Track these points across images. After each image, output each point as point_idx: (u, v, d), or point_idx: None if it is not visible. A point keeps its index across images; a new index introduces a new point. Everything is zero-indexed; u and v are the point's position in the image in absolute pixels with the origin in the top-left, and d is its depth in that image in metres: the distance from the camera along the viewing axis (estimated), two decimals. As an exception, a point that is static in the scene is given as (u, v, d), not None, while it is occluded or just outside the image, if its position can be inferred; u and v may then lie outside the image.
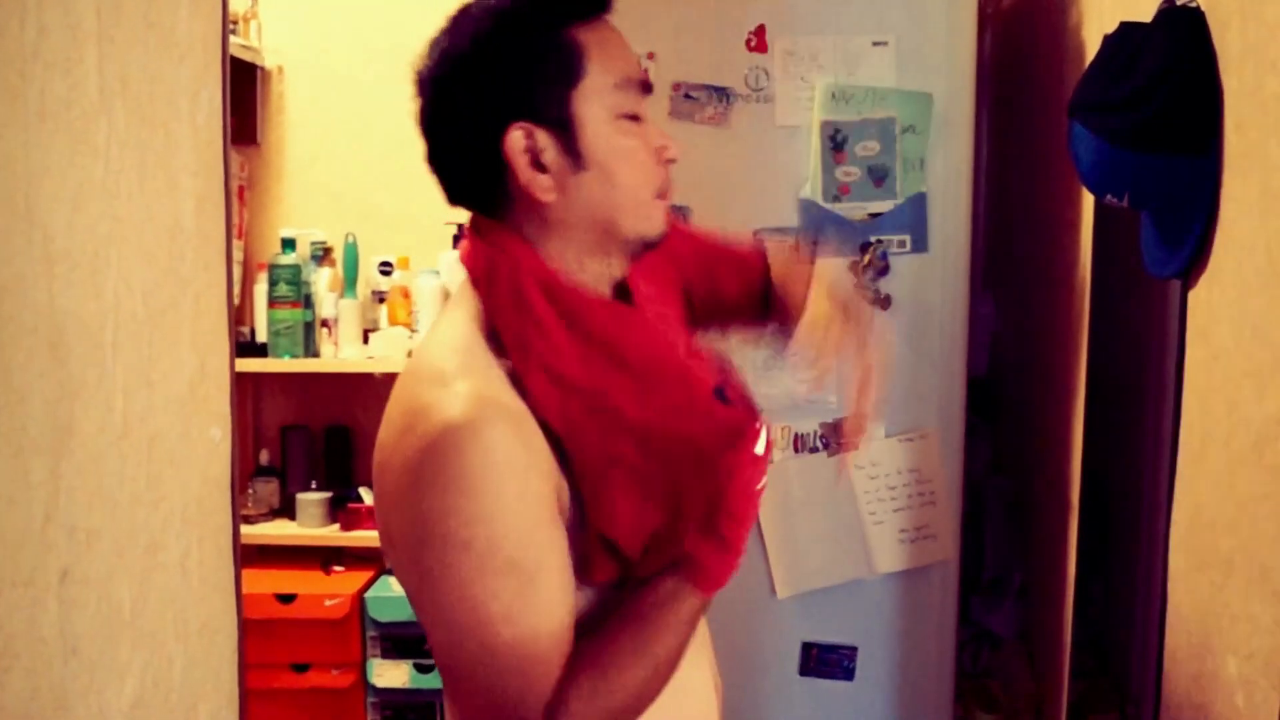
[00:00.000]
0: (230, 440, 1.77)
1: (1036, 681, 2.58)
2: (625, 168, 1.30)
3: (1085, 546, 2.16)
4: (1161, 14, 1.61)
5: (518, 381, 1.24)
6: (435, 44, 1.37)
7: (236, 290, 1.78)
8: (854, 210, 2.33)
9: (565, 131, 1.26)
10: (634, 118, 1.31)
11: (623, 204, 1.30)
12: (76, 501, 1.37)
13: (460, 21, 1.36)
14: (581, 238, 1.31)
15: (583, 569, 1.27)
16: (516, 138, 1.25)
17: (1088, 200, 2.14)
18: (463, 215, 3.72)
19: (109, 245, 1.42)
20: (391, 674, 3.36)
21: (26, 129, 1.25)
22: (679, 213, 2.30)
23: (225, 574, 1.79)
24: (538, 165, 1.26)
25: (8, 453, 1.24)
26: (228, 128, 1.71)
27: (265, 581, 3.33)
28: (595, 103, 1.28)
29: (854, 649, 2.42)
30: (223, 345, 1.74)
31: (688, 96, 2.30)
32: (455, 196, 1.36)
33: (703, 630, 1.47)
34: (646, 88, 1.35)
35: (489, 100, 1.27)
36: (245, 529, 1.83)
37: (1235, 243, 1.47)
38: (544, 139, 1.26)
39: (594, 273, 1.33)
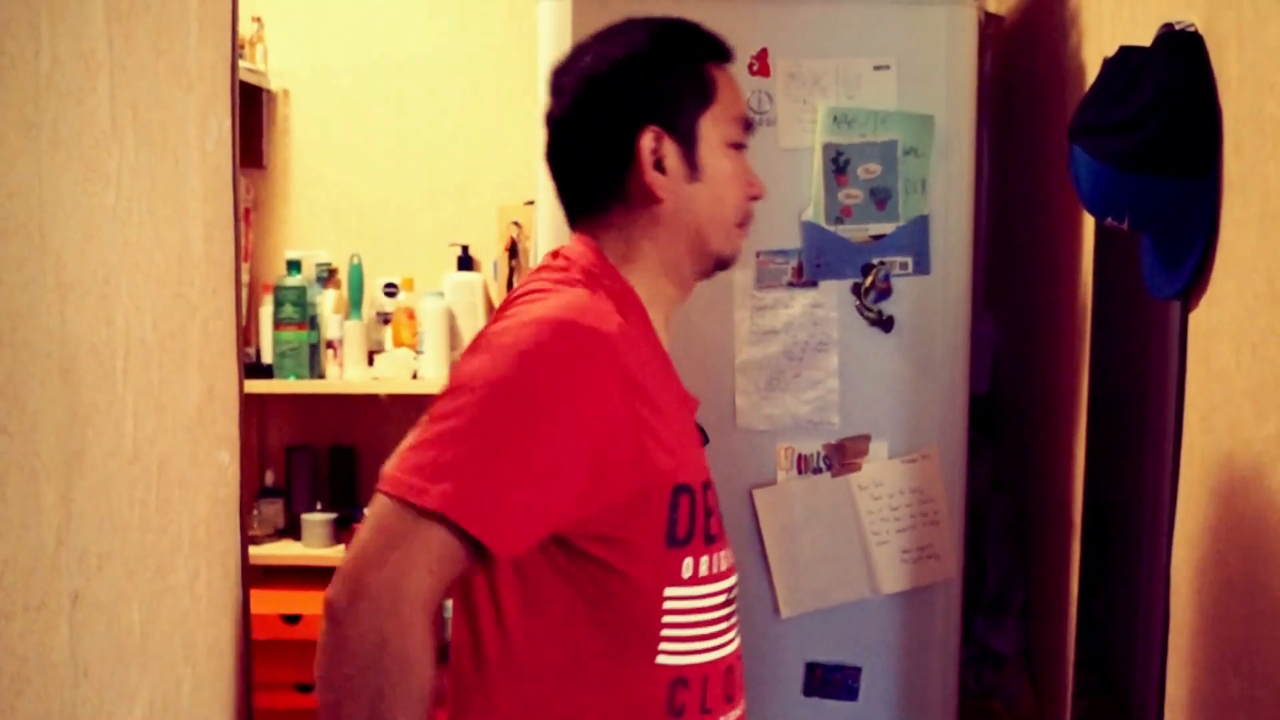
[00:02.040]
0: (238, 463, 1.78)
1: (1039, 700, 2.58)
2: (727, 188, 1.52)
3: (1087, 565, 2.17)
4: (1160, 37, 1.62)
5: None
6: (588, 48, 1.54)
7: (242, 312, 1.80)
8: (856, 232, 2.34)
9: (688, 145, 1.48)
10: (739, 149, 1.54)
11: (717, 219, 1.52)
12: (87, 525, 1.38)
13: (619, 34, 1.54)
14: (674, 246, 1.51)
15: None
16: (648, 138, 1.46)
17: (1088, 221, 2.15)
18: (465, 238, 3.71)
19: (119, 272, 1.43)
20: (396, 694, 3.35)
21: (40, 158, 1.26)
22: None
23: (233, 596, 1.80)
24: (659, 167, 1.46)
25: (20, 478, 1.25)
26: (236, 154, 1.73)
27: (270, 602, 3.34)
28: (716, 127, 1.50)
29: (858, 669, 2.42)
30: (231, 369, 1.75)
31: (691, 120, 2.32)
32: (568, 191, 1.55)
33: None
34: (751, 127, 1.57)
35: (632, 104, 1.47)
36: (250, 549, 1.84)
37: (1235, 264, 1.48)
38: (669, 146, 1.47)
39: (664, 297, 1.53)
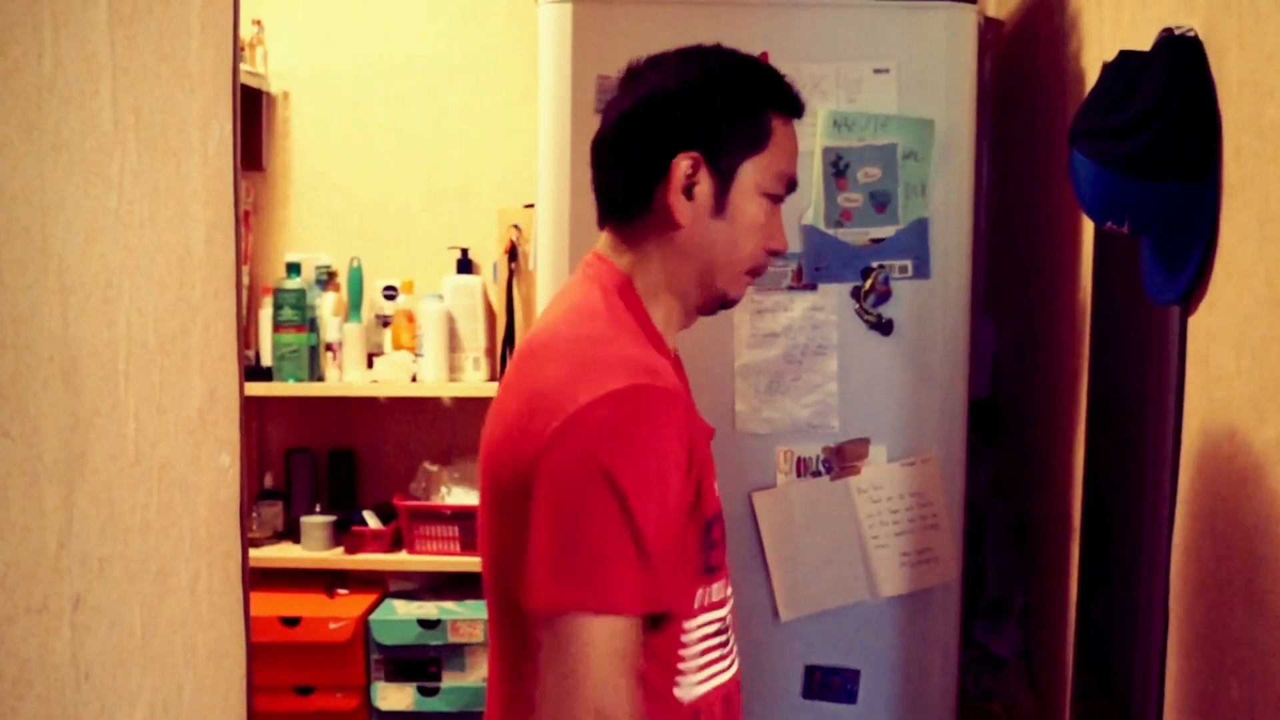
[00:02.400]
0: (239, 466, 1.78)
1: (1039, 703, 2.59)
2: (747, 234, 1.52)
3: (1087, 568, 2.17)
4: (1160, 42, 1.62)
5: None
6: (666, 59, 1.54)
7: (242, 315, 1.80)
8: (856, 236, 2.35)
9: (724, 182, 1.49)
10: (774, 201, 1.54)
11: (729, 261, 1.53)
12: (89, 528, 1.38)
13: (699, 55, 1.54)
14: (684, 273, 1.53)
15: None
16: (685, 162, 1.47)
17: (1088, 225, 2.15)
18: (465, 240, 3.70)
19: (121, 275, 1.43)
20: (395, 697, 3.36)
21: (42, 161, 1.26)
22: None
23: (234, 599, 1.80)
24: (688, 193, 1.48)
25: (23, 481, 1.25)
26: (238, 157, 1.73)
27: (269, 604, 3.34)
28: (755, 175, 1.50)
29: (857, 672, 2.43)
30: (232, 372, 1.76)
31: (691, 123, 2.32)
32: (603, 188, 1.57)
33: None
34: (794, 186, 1.57)
35: (683, 125, 1.49)
36: (250, 552, 1.84)
37: (1235, 269, 1.48)
38: (704, 177, 1.48)
39: (670, 317, 1.56)
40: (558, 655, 1.29)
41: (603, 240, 1.58)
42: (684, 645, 1.45)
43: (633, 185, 1.51)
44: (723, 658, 1.52)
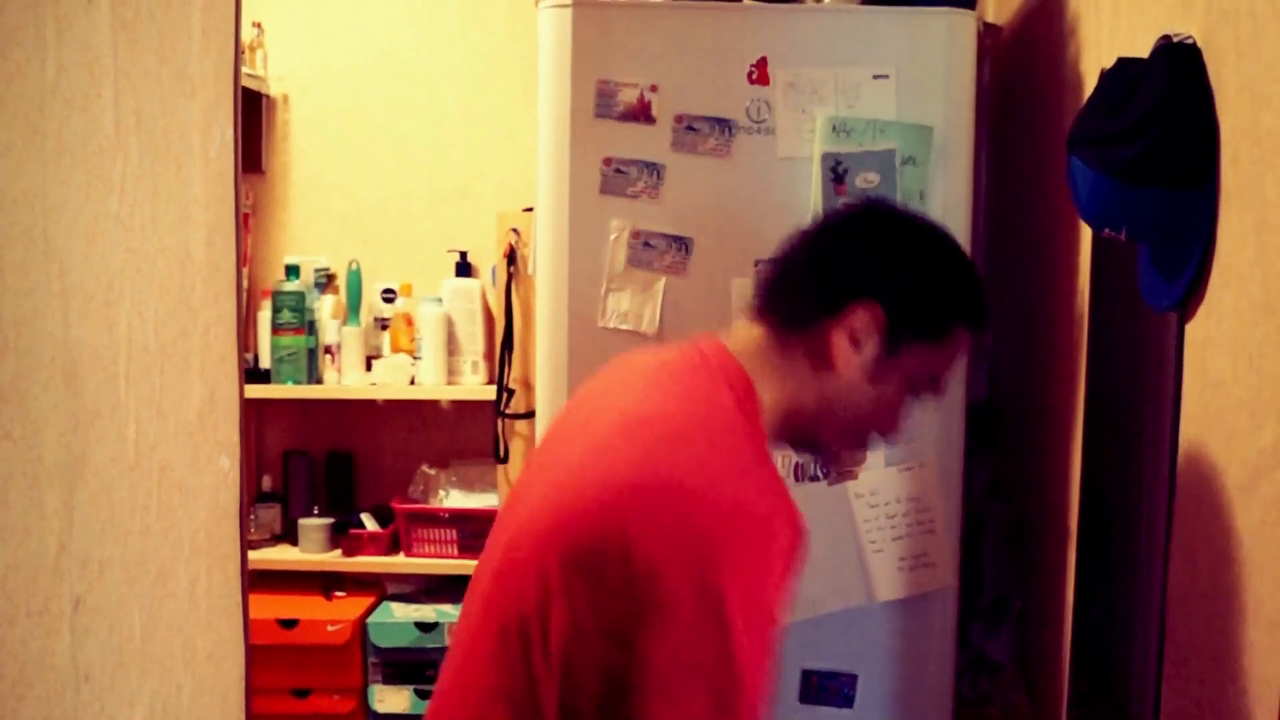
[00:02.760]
0: (238, 469, 1.79)
1: (1035, 708, 2.59)
2: (882, 410, 1.54)
3: (1084, 573, 2.18)
4: (1158, 49, 1.63)
5: None
6: (902, 220, 1.59)
7: (241, 316, 1.81)
8: (854, 240, 2.35)
9: (889, 352, 1.49)
10: (913, 394, 1.55)
11: (853, 422, 1.54)
12: (89, 531, 1.39)
13: (928, 231, 1.58)
14: (804, 404, 1.51)
15: None
16: (864, 316, 1.47)
17: (1086, 231, 2.16)
18: (464, 244, 3.69)
19: (122, 277, 1.43)
20: (392, 699, 3.37)
21: (45, 164, 1.27)
22: (680, 245, 2.32)
23: (232, 601, 1.81)
24: (854, 342, 1.48)
25: (23, 483, 1.25)
26: (238, 161, 1.74)
27: (267, 607, 3.34)
28: (918, 362, 1.51)
29: (854, 676, 2.43)
30: (232, 375, 1.76)
31: (690, 128, 2.33)
32: (772, 306, 1.55)
33: None
34: (940, 391, 1.59)
35: (883, 281, 1.49)
36: (248, 554, 1.85)
37: (1232, 275, 1.48)
38: (877, 339, 1.48)
39: (770, 428, 1.51)
40: None
41: (738, 332, 1.57)
42: None
43: (811, 305, 1.51)
44: None
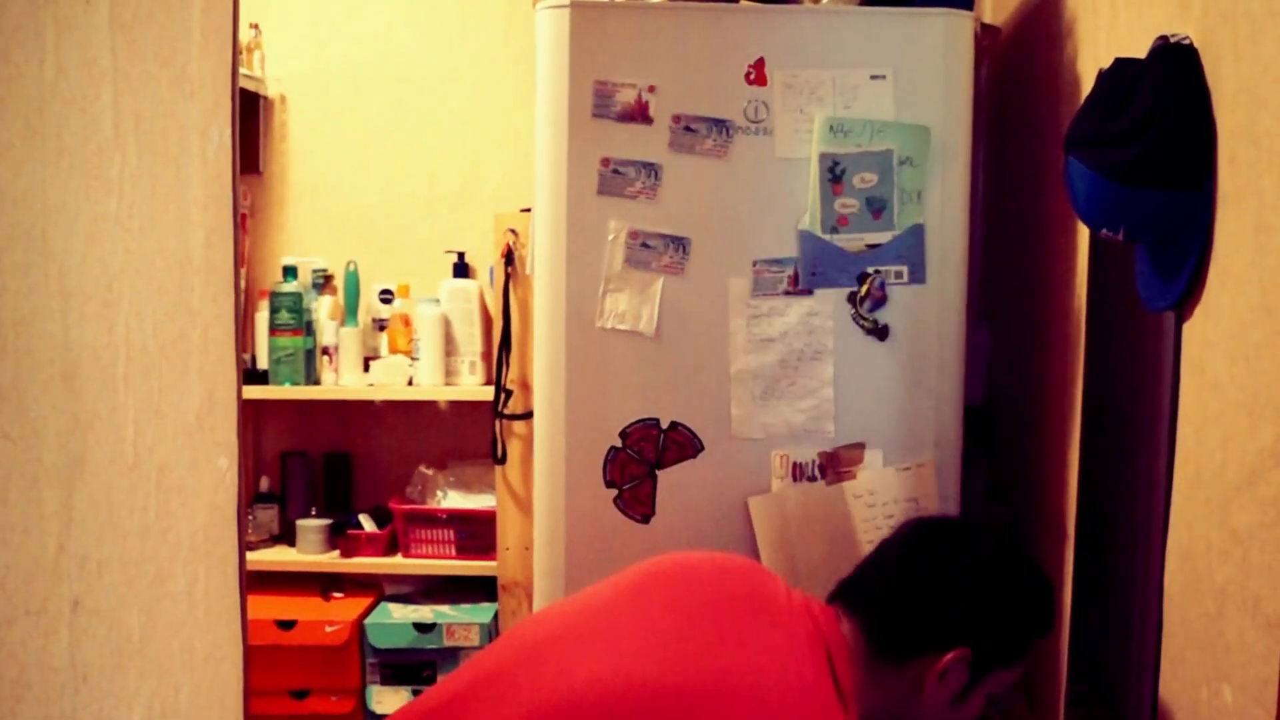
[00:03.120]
0: (236, 470, 1.79)
1: (1032, 709, 2.59)
2: (960, 716, 1.72)
3: (1081, 574, 2.18)
4: (1156, 50, 1.63)
5: None
6: (1002, 553, 1.79)
7: (239, 317, 1.81)
8: (852, 241, 2.35)
9: (975, 683, 1.69)
10: (994, 701, 1.75)
11: None
12: (88, 532, 1.38)
13: (1024, 567, 1.79)
14: (885, 714, 1.67)
15: None
16: (957, 664, 1.66)
17: (1083, 231, 2.16)
18: (461, 244, 3.69)
19: (121, 279, 1.43)
20: (391, 700, 3.37)
21: (44, 165, 1.27)
22: (678, 245, 2.33)
23: (231, 602, 1.80)
24: (945, 678, 1.66)
25: (23, 484, 1.25)
26: (236, 162, 1.73)
27: (265, 608, 3.35)
28: (997, 682, 1.73)
29: (852, 676, 2.43)
30: (230, 376, 1.76)
31: (688, 129, 2.33)
32: (881, 627, 1.71)
33: None
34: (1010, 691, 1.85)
35: (982, 633, 1.69)
36: (246, 555, 1.85)
37: (1229, 276, 1.49)
38: (963, 676, 1.67)
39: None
40: None
41: (845, 624, 1.71)
42: None
43: (913, 646, 1.68)
44: None
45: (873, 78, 2.34)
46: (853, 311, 2.37)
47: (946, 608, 1.70)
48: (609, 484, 2.40)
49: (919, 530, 1.82)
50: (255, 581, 3.44)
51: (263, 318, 3.52)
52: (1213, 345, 1.53)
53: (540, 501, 2.45)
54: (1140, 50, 1.67)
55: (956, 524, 1.81)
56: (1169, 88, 1.58)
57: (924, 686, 1.66)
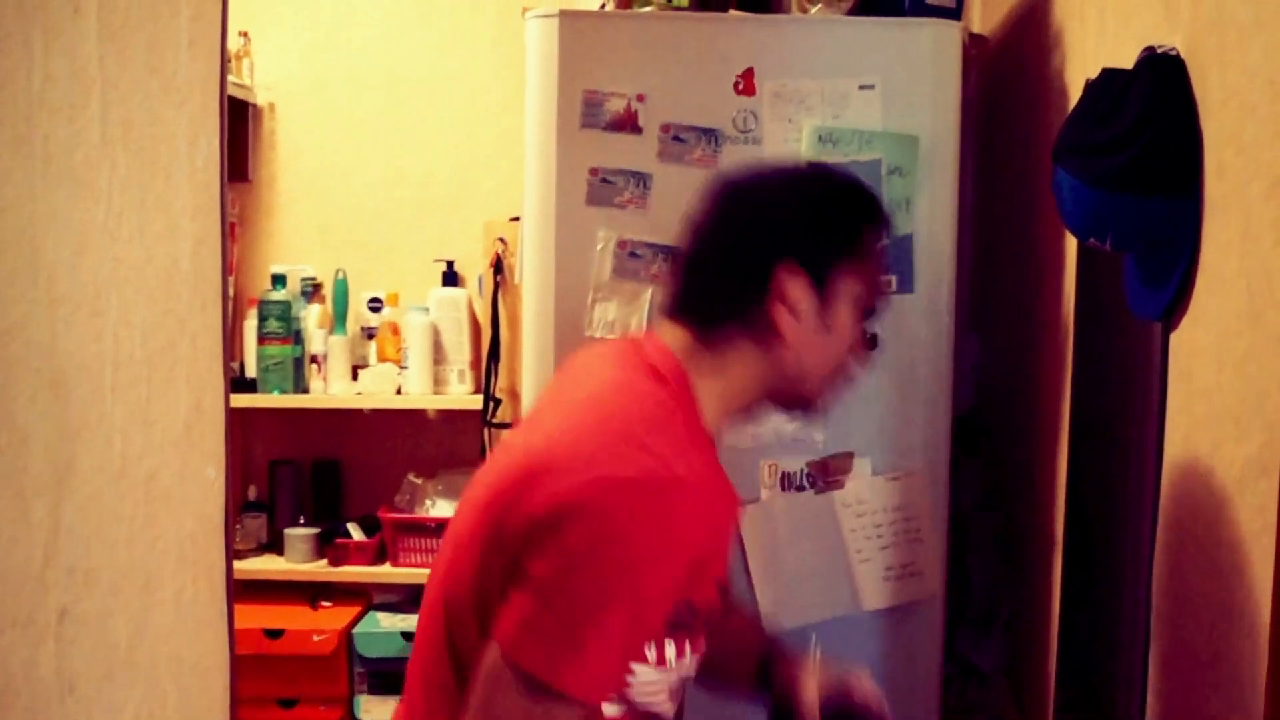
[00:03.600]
0: (224, 479, 1.78)
1: (1021, 716, 2.59)
2: (842, 345, 1.54)
3: (1069, 582, 2.18)
4: (1143, 60, 1.64)
5: None
6: (762, 174, 1.58)
7: (228, 325, 1.81)
8: (841, 250, 2.35)
9: (826, 296, 1.49)
10: (866, 316, 1.56)
11: (826, 372, 1.55)
12: (75, 541, 1.38)
13: (795, 172, 1.62)
14: (768, 381, 1.52)
15: None
16: (789, 280, 1.46)
17: (1071, 240, 2.16)
18: (450, 253, 3.69)
19: (110, 287, 1.43)
20: (379, 710, 3.36)
21: (32, 174, 1.27)
22: (667, 254, 2.32)
23: (218, 612, 1.80)
24: (793, 309, 1.47)
25: (10, 494, 1.25)
26: (225, 171, 1.73)
27: (253, 617, 3.34)
28: (855, 286, 1.52)
29: (841, 685, 2.43)
30: (218, 384, 1.76)
31: (677, 139, 2.33)
32: (691, 295, 1.55)
33: None
34: (885, 297, 1.65)
35: (784, 237, 1.49)
36: (234, 564, 1.84)
37: (1217, 285, 1.49)
38: (807, 292, 1.48)
39: (728, 412, 1.53)
40: (500, 700, 1.31)
41: (666, 331, 1.55)
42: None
43: (734, 295, 1.50)
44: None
45: (861, 87, 2.35)
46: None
47: (742, 236, 1.52)
48: (598, 493, 2.39)
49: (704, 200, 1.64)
50: (243, 590, 3.43)
51: (251, 326, 3.51)
52: (1200, 353, 1.54)
53: (529, 510, 2.44)
54: (1128, 60, 1.68)
55: (744, 171, 1.60)
56: (1156, 98, 1.58)
57: (781, 329, 1.47)
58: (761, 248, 1.49)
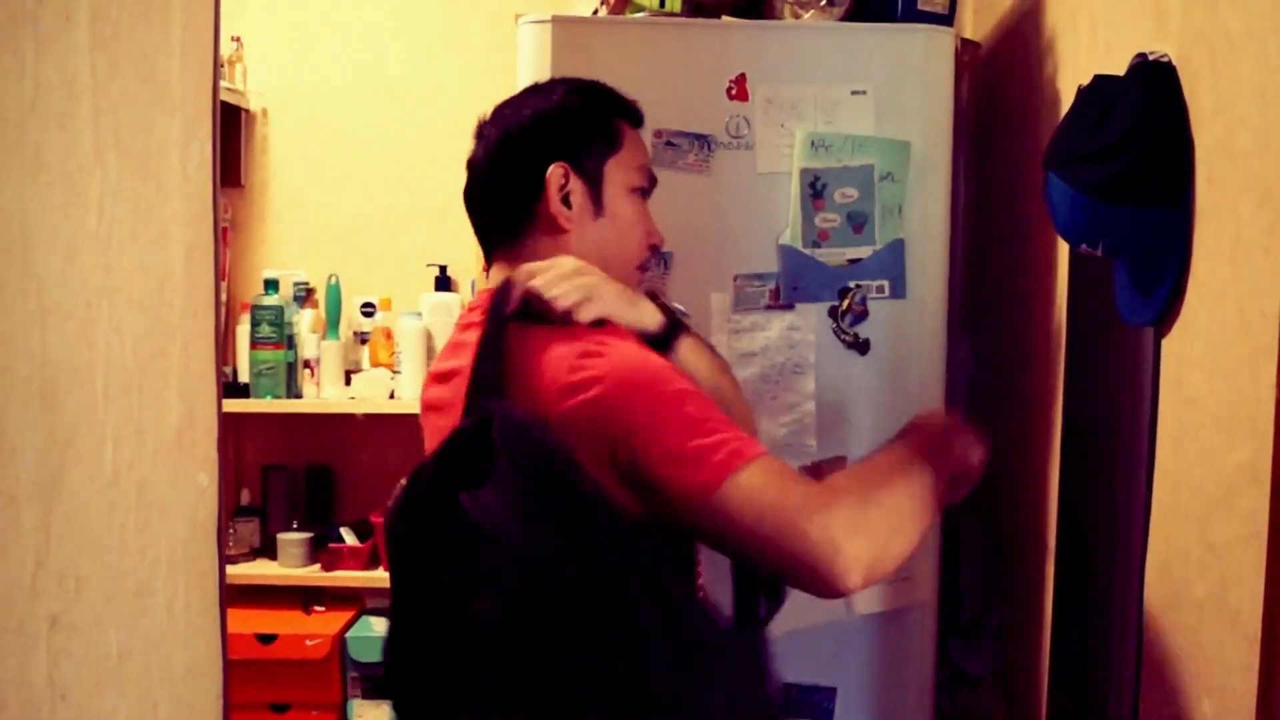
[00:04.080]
0: (217, 486, 1.78)
1: (1014, 722, 2.60)
2: (629, 229, 1.70)
3: (1062, 587, 2.18)
4: (1134, 68, 1.64)
5: None
6: (510, 100, 1.73)
7: (220, 331, 1.81)
8: (833, 256, 2.36)
9: (594, 184, 1.67)
10: (642, 195, 1.73)
11: (619, 257, 1.69)
12: (66, 549, 1.38)
13: (540, 88, 1.74)
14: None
15: None
16: (556, 172, 1.63)
17: (1063, 247, 2.17)
18: (443, 258, 3.69)
19: (101, 295, 1.43)
20: (372, 715, 3.36)
21: (23, 182, 1.27)
22: (659, 260, 2.33)
23: (210, 618, 1.80)
24: (565, 201, 1.64)
25: (0, 502, 1.25)
26: (217, 178, 1.73)
27: (246, 621, 3.33)
28: (620, 172, 1.69)
29: (833, 690, 2.43)
30: (210, 392, 1.75)
31: (669, 144, 2.33)
32: (485, 224, 1.72)
33: None
34: (654, 182, 1.76)
35: (544, 142, 1.66)
36: (226, 569, 1.84)
37: (1208, 292, 1.50)
38: (576, 183, 1.65)
39: None
40: (748, 508, 1.33)
41: (493, 273, 1.70)
42: None
43: (514, 205, 1.66)
44: None
45: (854, 93, 2.35)
46: (834, 326, 2.37)
47: (503, 153, 1.68)
48: (590, 498, 2.39)
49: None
50: (236, 595, 3.43)
51: (244, 331, 3.51)
52: (1191, 361, 1.54)
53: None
54: (1120, 68, 1.68)
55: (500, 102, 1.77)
56: (1147, 106, 1.59)
57: (557, 220, 1.63)
58: (525, 155, 1.65)
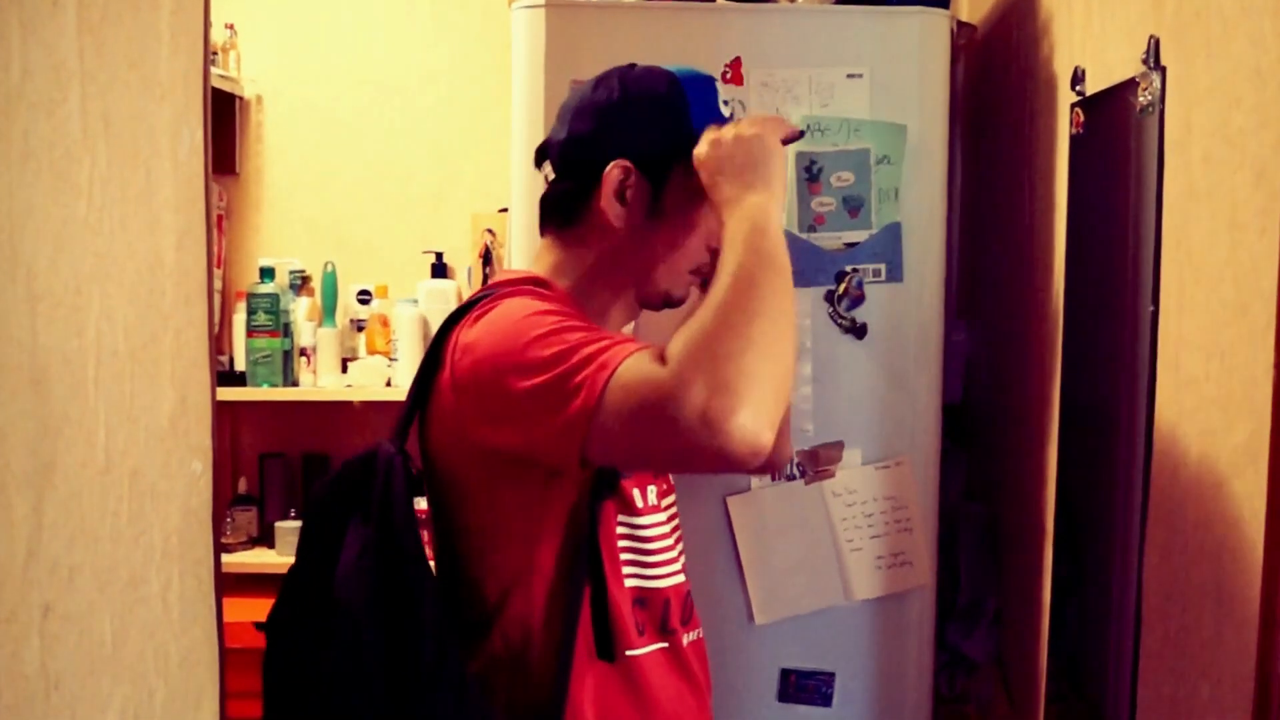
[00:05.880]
0: (211, 473, 1.78)
1: (1012, 706, 2.60)
2: (684, 232, 1.63)
3: (1060, 571, 2.18)
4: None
5: None
6: (603, 82, 1.66)
7: (215, 319, 1.81)
8: (829, 240, 2.35)
9: (658, 185, 1.60)
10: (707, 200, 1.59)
11: (669, 260, 1.64)
12: (59, 537, 1.38)
13: (629, 76, 1.65)
14: (620, 272, 1.64)
15: None
16: (616, 169, 1.58)
17: (1060, 229, 2.16)
18: (439, 245, 3.70)
19: (91, 282, 1.43)
20: (370, 702, 3.34)
21: (10, 169, 1.26)
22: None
23: (206, 606, 1.80)
24: (621, 198, 1.59)
25: (-9, 490, 1.25)
26: (209, 164, 1.73)
27: (243, 610, 3.31)
28: (690, 177, 1.56)
29: (832, 675, 2.43)
30: (203, 379, 1.75)
31: (664, 128, 2.32)
32: (547, 215, 1.68)
33: None
34: None
35: (613, 136, 1.61)
36: (224, 558, 1.84)
37: (1205, 274, 1.49)
38: (638, 181, 1.59)
39: (607, 310, 1.66)
40: (626, 414, 1.34)
41: (539, 248, 1.70)
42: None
43: (573, 195, 1.63)
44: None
45: (849, 76, 2.34)
46: (830, 310, 2.36)
47: (579, 139, 1.63)
48: (587, 484, 2.39)
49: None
50: (234, 584, 3.42)
51: (240, 319, 3.50)
52: (1188, 343, 1.54)
53: (518, 502, 2.43)
54: (1115, 49, 1.67)
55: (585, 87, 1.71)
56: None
57: (608, 219, 1.60)
58: (594, 149, 1.61)
